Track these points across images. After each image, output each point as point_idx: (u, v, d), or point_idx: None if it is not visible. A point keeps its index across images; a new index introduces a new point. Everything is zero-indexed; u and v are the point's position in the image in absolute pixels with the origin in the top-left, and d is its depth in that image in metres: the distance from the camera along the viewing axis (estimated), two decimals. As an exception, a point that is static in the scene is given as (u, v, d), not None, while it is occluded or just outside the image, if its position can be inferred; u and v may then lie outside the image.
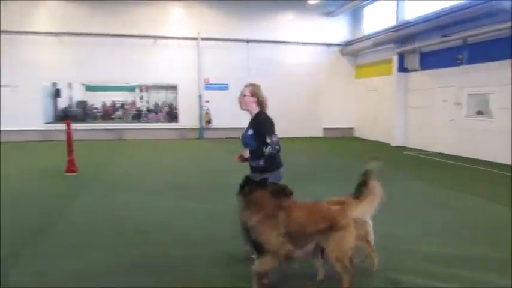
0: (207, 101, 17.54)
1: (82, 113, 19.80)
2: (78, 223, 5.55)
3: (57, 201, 6.66)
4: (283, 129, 17.67)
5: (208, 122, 17.62)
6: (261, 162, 4.00)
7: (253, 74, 17.88)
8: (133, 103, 22.13)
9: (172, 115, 19.01)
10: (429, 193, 7.68)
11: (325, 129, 18.96)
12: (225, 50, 17.69)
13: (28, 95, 15.94)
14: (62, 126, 10.12)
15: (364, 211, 3.52)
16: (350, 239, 3.35)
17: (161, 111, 20.73)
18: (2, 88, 15.61)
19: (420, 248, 4.61)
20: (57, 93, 18.79)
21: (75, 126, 9.47)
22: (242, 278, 3.65)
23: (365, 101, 18.17)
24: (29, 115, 15.91)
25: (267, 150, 3.89)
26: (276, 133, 4.06)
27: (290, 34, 18.21)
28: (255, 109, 4.20)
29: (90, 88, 21.13)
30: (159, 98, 22.55)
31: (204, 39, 17.25)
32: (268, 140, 3.92)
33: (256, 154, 3.94)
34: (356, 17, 18.67)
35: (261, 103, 4.23)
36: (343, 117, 19.01)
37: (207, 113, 17.59)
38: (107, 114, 20.79)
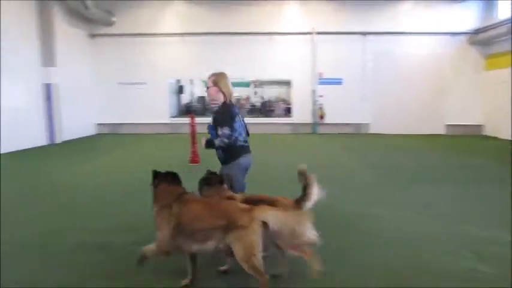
0: (321, 96, 17.41)
1: (202, 107, 21.11)
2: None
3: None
4: (400, 125, 17.12)
5: (322, 117, 17.48)
6: (221, 153, 4.14)
7: (369, 68, 17.32)
8: (248, 98, 22.89)
9: (285, 110, 19.25)
10: None
11: (448, 126, 17.43)
12: (339, 43, 17.32)
13: (156, 91, 17.62)
14: (185, 119, 10.94)
15: (278, 218, 3.15)
16: (252, 239, 3.10)
17: (274, 106, 21.10)
18: (133, 86, 17.51)
19: None
20: (180, 90, 20.32)
21: (197, 119, 10.10)
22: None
23: (498, 95, 16.14)
24: (157, 109, 17.58)
25: (217, 141, 4.00)
26: (234, 124, 4.06)
27: (410, 24, 17.07)
28: (221, 99, 4.22)
29: (207, 84, 22.38)
30: (272, 93, 22.98)
31: (318, 33, 17.11)
32: (220, 132, 3.97)
33: (210, 144, 4.14)
34: (488, 1, 16.74)
35: (225, 93, 4.23)
36: (469, 113, 17.20)
37: (320, 108, 17.47)
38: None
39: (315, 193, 3.41)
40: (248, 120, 15.93)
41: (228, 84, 4.32)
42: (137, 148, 13.18)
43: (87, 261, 4.09)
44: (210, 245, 3.24)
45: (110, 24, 17.22)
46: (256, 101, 22.59)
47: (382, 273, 3.83)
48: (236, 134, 4.11)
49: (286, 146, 14.04)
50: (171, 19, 17.61)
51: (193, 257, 3.51)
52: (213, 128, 4.16)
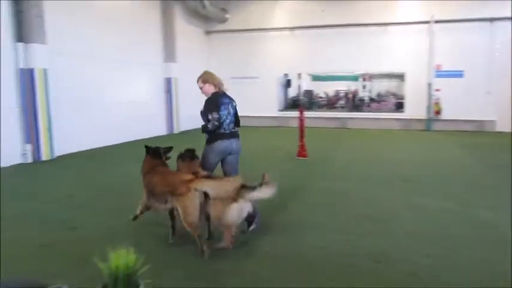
0: (437, 90, 16.18)
1: (308, 101, 21.11)
2: (314, 204, 5.96)
3: (290, 182, 7.24)
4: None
5: (438, 112, 16.24)
6: (207, 136, 4.77)
7: (497, 59, 15.60)
8: (356, 92, 22.26)
9: (396, 105, 18.35)
10: None
11: None
12: (461, 32, 15.85)
13: (265, 85, 18.08)
14: (292, 113, 11.03)
15: (212, 189, 3.92)
16: (186, 204, 3.92)
17: (384, 101, 20.23)
18: (244, 80, 18.21)
19: None
20: (288, 84, 20.57)
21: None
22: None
23: None
24: (266, 103, 18.05)
25: (209, 125, 4.60)
26: (219, 111, 4.66)
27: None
28: (213, 90, 4.90)
29: (316, 78, 22.27)
30: (382, 87, 22.02)
31: (437, 22, 15.87)
32: (210, 117, 4.61)
33: (203, 128, 4.73)
34: None
35: (215, 85, 4.93)
36: None
37: (436, 103, 16.23)
38: (331, 103, 21.55)
39: (264, 192, 3.99)
40: (356, 115, 15.55)
41: (215, 77, 5.03)
42: (246, 140, 13.65)
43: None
44: (169, 205, 4.12)
45: (224, 21, 18.09)
46: (365, 95, 21.89)
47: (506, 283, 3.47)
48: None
49: (396, 142, 13.36)
50: (282, 14, 17.86)
51: (170, 213, 4.32)
52: (203, 114, 4.77)
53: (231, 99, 5.03)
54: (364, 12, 16.67)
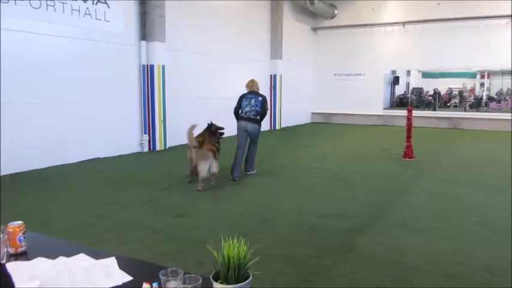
0: None
1: (417, 99, 19.95)
2: (418, 207, 5.70)
3: (395, 184, 7.09)
4: None
5: None
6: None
7: None
8: (472, 90, 20.43)
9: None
10: None
11: None
12: None
13: (371, 82, 17.54)
14: (398, 112, 10.54)
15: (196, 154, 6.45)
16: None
17: (505, 100, 18.26)
18: (348, 77, 17.86)
19: None
20: (395, 81, 19.67)
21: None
22: None
23: None
24: (371, 101, 17.52)
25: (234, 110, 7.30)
26: (241, 103, 7.24)
27: None
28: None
29: (426, 75, 20.93)
30: (503, 84, 19.88)
31: None
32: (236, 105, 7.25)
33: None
34: None
35: (247, 87, 7.52)
36: None
37: None
38: (443, 101, 20.09)
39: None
40: (471, 114, 14.31)
41: (248, 83, 7.61)
42: (349, 138, 13.47)
43: (302, 239, 4.47)
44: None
45: (332, 17, 17.91)
46: (482, 93, 20.01)
47: None
48: (241, 109, 7.18)
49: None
50: (393, 8, 17.11)
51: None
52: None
53: (257, 96, 7.26)
54: (485, 3, 15.16)
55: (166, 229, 4.74)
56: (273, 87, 15.43)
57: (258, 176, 7.59)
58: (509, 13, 14.91)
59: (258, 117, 7.15)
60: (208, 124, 7.00)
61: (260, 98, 7.18)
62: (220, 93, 12.51)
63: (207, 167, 6.20)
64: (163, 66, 10.24)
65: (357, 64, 17.73)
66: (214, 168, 6.31)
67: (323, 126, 17.21)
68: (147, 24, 9.98)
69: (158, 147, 10.32)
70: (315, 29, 18.32)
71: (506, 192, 6.40)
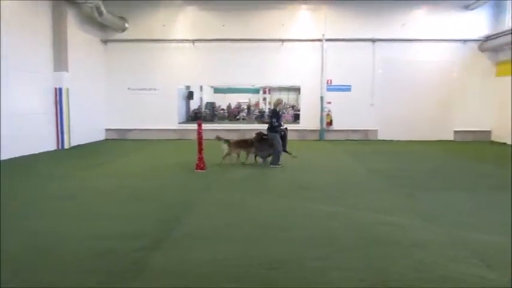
0: (329, 103, 17.42)
1: (210, 113, 21.22)
2: (209, 217, 5.96)
3: (187, 196, 7.25)
4: (409, 131, 17.11)
5: (330, 123, 17.47)
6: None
7: (378, 75, 17.32)
8: (257, 104, 22.95)
9: (294, 116, 19.29)
10: None
11: (456, 132, 17.41)
12: (349, 50, 17.36)
13: (166, 97, 17.77)
14: (193, 126, 11.01)
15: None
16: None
17: (283, 113, 21.10)
18: (143, 91, 17.72)
19: None
20: (190, 96, 20.46)
21: (204, 126, 10.18)
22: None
23: (506, 102, 16.09)
24: (166, 115, 17.73)
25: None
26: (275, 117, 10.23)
27: (421, 31, 17.15)
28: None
29: (217, 90, 22.52)
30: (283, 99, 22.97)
31: (328, 40, 17.16)
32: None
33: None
34: (499, 8, 16.71)
35: (275, 105, 10.81)
36: (478, 120, 17.28)
37: (328, 115, 17.47)
38: (233, 115, 21.90)
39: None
40: (256, 126, 16.36)
41: (275, 101, 11.14)
42: (145, 154, 13.30)
43: (92, 266, 4.12)
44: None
45: (122, 30, 17.45)
46: (265, 107, 22.63)
47: (390, 278, 3.85)
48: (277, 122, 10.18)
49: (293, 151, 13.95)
50: (183, 25, 17.77)
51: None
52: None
53: (270, 112, 11.19)
54: (262, 28, 17.37)
55: None
56: (58, 102, 13.93)
57: (42, 200, 6.75)
58: (282, 37, 17.40)
59: (269, 127, 10.22)
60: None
61: (270, 114, 10.71)
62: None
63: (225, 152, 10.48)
64: None
65: (150, 78, 17.70)
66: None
67: (118, 142, 16.49)
68: None
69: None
70: (105, 41, 17.53)
71: (284, 197, 7.30)
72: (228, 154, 10.45)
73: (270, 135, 10.19)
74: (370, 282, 3.78)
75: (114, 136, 17.69)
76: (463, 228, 5.33)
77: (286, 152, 10.72)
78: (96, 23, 16.08)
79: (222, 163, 10.39)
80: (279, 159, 10.30)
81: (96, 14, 14.91)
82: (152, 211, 6.20)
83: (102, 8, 14.93)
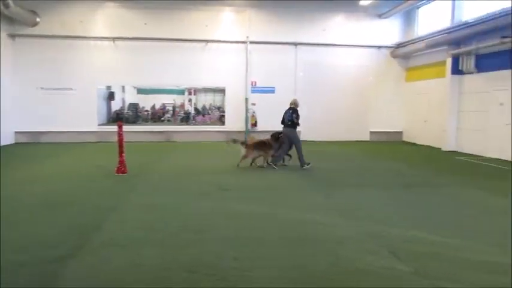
0: (254, 104, 17.68)
1: (134, 115, 20.48)
2: (129, 221, 5.75)
3: (107, 201, 6.93)
4: (329, 132, 17.93)
5: (254, 124, 17.74)
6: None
7: (300, 77, 17.92)
8: (182, 105, 22.59)
9: (220, 118, 19.29)
10: (483, 201, 7.29)
11: (372, 133, 18.59)
12: (272, 53, 17.76)
13: (83, 97, 16.82)
14: (114, 127, 10.51)
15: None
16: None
17: (208, 114, 21.04)
18: (58, 91, 16.65)
19: (472, 256, 4.44)
20: (111, 96, 19.57)
21: (126, 128, 9.78)
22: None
23: (416, 105, 17.65)
24: (84, 117, 16.80)
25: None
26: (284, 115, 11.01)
27: (339, 36, 18.00)
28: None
29: (141, 91, 21.80)
30: (207, 100, 22.87)
31: (252, 42, 17.41)
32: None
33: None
34: (409, 18, 18.17)
35: (291, 104, 11.06)
36: (391, 121, 18.61)
37: (253, 116, 17.72)
38: (157, 116, 21.36)
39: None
40: (182, 128, 15.90)
41: (292, 100, 11.28)
42: (60, 158, 12.48)
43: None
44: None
45: (33, 24, 16.22)
46: (191, 108, 22.36)
47: (305, 273, 3.98)
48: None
49: (216, 153, 13.96)
50: (102, 22, 16.96)
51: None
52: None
53: (289, 109, 10.94)
54: (186, 27, 17.17)
55: None
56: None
57: None
58: (206, 38, 17.31)
59: (289, 123, 10.75)
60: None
61: (291, 111, 10.87)
62: None
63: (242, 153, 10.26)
64: None
65: (66, 77, 16.63)
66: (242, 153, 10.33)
67: (29, 146, 15.18)
68: None
69: None
70: (12, 36, 16.16)
71: (206, 196, 7.28)
72: (245, 157, 10.28)
73: (287, 131, 10.74)
74: (293, 280, 3.89)
75: (26, 139, 16.35)
76: (378, 223, 5.68)
77: (288, 155, 11.21)
78: (2, 15, 14.77)
79: (239, 166, 10.36)
80: (281, 158, 10.94)
81: (1, 6, 13.71)
82: (70, 218, 5.83)
83: (9, 0, 13.76)
